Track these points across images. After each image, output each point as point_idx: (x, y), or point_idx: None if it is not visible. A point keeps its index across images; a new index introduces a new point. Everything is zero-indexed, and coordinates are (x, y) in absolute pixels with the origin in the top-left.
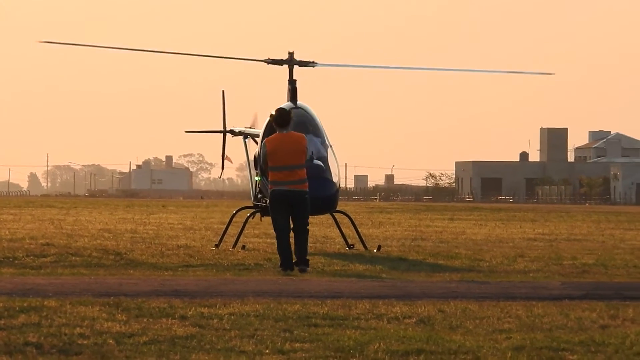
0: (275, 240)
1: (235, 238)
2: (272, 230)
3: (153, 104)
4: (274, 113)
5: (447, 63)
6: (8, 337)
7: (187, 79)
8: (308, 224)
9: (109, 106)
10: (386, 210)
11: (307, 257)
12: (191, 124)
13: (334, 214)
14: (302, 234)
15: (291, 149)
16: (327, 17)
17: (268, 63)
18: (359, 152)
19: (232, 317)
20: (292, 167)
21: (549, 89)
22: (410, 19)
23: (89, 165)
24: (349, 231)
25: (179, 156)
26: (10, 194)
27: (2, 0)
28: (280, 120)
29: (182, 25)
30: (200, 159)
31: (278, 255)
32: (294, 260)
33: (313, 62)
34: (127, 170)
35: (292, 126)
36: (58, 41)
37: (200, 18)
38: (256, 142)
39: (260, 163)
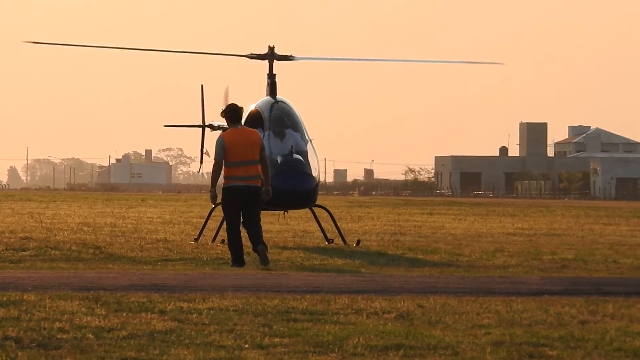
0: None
1: (214, 232)
2: None
3: (133, 98)
4: (225, 109)
5: (423, 55)
6: None
7: (166, 74)
8: (260, 219)
9: (89, 100)
10: (365, 204)
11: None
12: (170, 119)
13: (313, 208)
14: (256, 224)
15: (247, 144)
16: (305, 10)
17: (251, 58)
18: (338, 146)
19: (212, 312)
20: (249, 163)
21: (529, 84)
22: (389, 11)
23: (68, 159)
24: (328, 225)
25: (159, 150)
26: None
27: None
28: (233, 115)
29: (163, 21)
30: (180, 153)
31: (230, 252)
32: (253, 248)
33: (291, 56)
34: (106, 164)
35: (245, 121)
36: (41, 41)
37: (179, 13)
38: None
39: (216, 158)
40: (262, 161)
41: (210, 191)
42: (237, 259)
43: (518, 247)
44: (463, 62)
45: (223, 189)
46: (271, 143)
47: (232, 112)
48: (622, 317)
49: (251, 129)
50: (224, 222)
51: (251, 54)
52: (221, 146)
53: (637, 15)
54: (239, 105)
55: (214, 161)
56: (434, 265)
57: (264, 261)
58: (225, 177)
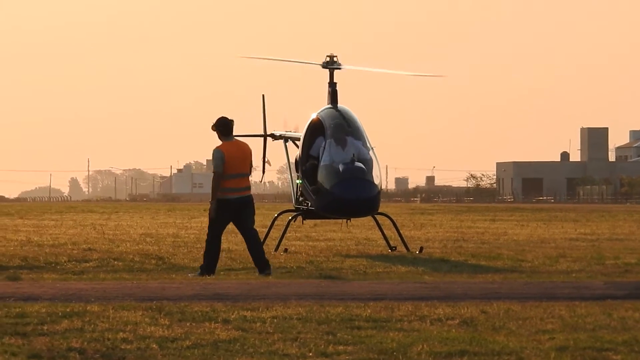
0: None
1: (277, 241)
2: (315, 233)
3: (194, 108)
4: (216, 122)
5: (483, 61)
6: (51, 342)
7: (227, 83)
8: (254, 227)
9: (150, 111)
10: (427, 211)
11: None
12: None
13: (376, 216)
14: (256, 237)
15: (243, 157)
16: (367, 19)
17: (323, 67)
18: (399, 153)
19: (275, 320)
20: (243, 175)
21: (589, 89)
22: (447, 18)
23: (129, 169)
24: (390, 233)
25: None
26: (52, 199)
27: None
28: (225, 129)
29: (222, 31)
30: None
31: (205, 259)
32: (260, 271)
33: (351, 66)
34: (168, 175)
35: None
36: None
37: (232, 23)
38: (297, 146)
39: (216, 170)
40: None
41: (211, 202)
42: (209, 268)
43: (581, 252)
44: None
45: (217, 200)
46: (333, 151)
47: (224, 125)
48: None
49: (243, 142)
50: (286, 232)
51: (324, 62)
52: (221, 159)
53: None
54: (230, 119)
55: (213, 173)
56: (497, 271)
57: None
58: (222, 189)
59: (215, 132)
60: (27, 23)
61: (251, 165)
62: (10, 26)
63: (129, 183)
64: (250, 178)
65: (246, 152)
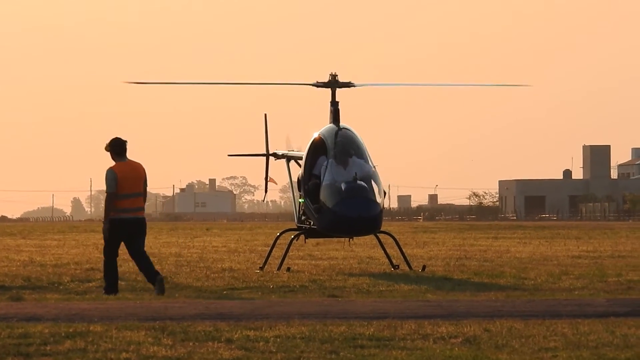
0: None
1: (279, 260)
2: (317, 252)
3: (196, 127)
4: (110, 143)
5: (485, 79)
6: None
7: (229, 103)
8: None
9: (152, 130)
10: (430, 229)
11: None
12: (234, 148)
13: (378, 234)
14: (144, 255)
15: (136, 177)
16: (367, 36)
17: (317, 86)
18: (402, 172)
19: (278, 340)
20: (137, 195)
21: (591, 107)
22: (450, 36)
23: None
24: (393, 251)
25: (222, 179)
26: (54, 219)
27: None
28: (119, 149)
29: (224, 52)
30: (244, 181)
31: (107, 279)
32: (149, 279)
33: (352, 83)
34: (170, 194)
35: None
36: (142, 80)
37: (240, 43)
38: (299, 165)
39: (110, 190)
40: (144, 192)
41: (104, 223)
42: (112, 287)
43: (583, 269)
44: (491, 85)
45: (110, 220)
46: (335, 170)
47: (117, 146)
48: None
49: (137, 162)
50: (288, 250)
51: (317, 82)
52: (114, 179)
53: None
54: (124, 139)
55: (107, 193)
56: (500, 289)
57: (161, 290)
58: (115, 209)
59: (108, 153)
60: (29, 40)
61: (145, 186)
62: (13, 42)
63: None
64: (143, 200)
65: (140, 173)
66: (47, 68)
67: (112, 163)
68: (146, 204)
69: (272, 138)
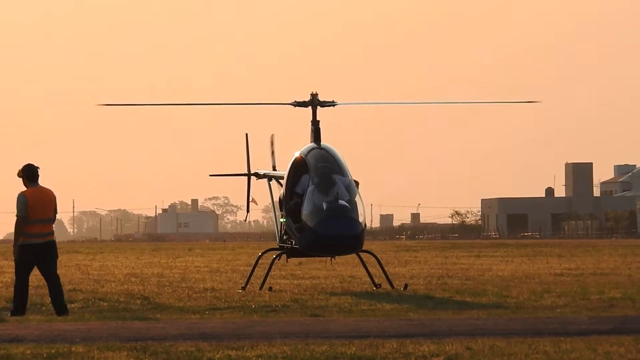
0: None
1: (262, 280)
2: (299, 271)
3: (177, 148)
4: (22, 169)
5: (465, 97)
6: None
7: (210, 124)
8: (56, 273)
9: (134, 152)
10: (412, 248)
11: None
12: (216, 168)
13: (360, 253)
14: (57, 280)
15: (46, 202)
16: (346, 55)
17: (294, 106)
18: (384, 191)
19: (260, 359)
20: (47, 221)
21: (573, 124)
22: (430, 54)
23: (114, 210)
24: (375, 270)
25: (205, 199)
26: None
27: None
28: (31, 175)
29: (204, 72)
30: (226, 201)
31: (15, 302)
32: (57, 313)
33: (333, 102)
34: (153, 215)
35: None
36: (115, 103)
37: (220, 63)
38: (280, 184)
39: (20, 214)
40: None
41: (14, 247)
42: (19, 309)
43: (566, 287)
44: (506, 102)
45: (20, 245)
46: (316, 189)
47: (30, 171)
48: None
49: (48, 188)
50: (270, 270)
51: (295, 101)
52: (25, 203)
53: None
54: (36, 165)
55: (17, 217)
56: (482, 307)
57: (59, 314)
58: (25, 234)
59: (21, 178)
60: (12, 66)
61: (55, 212)
62: None
63: (114, 224)
64: (53, 225)
65: (50, 198)
66: (27, 87)
67: (24, 188)
68: (128, 224)
69: (254, 158)
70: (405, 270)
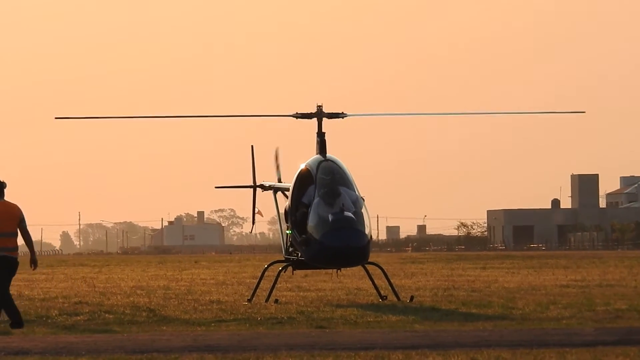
0: None
1: (267, 292)
2: (305, 283)
3: (183, 160)
4: None
5: (471, 109)
6: None
7: (216, 136)
8: (8, 291)
9: (139, 164)
10: (418, 260)
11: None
12: (221, 180)
13: (366, 265)
14: (7, 296)
15: (7, 217)
16: (353, 67)
17: (297, 117)
18: (390, 203)
19: None
20: (8, 235)
21: (579, 135)
22: (436, 66)
23: (121, 222)
24: (381, 282)
25: (211, 212)
26: (43, 253)
27: (21, 77)
28: None
29: (210, 84)
30: (232, 214)
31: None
32: (12, 318)
33: (342, 114)
34: (159, 227)
35: None
36: (117, 116)
37: (226, 75)
38: (286, 196)
39: None
40: (23, 232)
41: None
42: (17, 322)
43: (571, 298)
44: (544, 112)
45: None
46: (322, 201)
47: None
48: None
49: (13, 203)
50: (276, 282)
51: (297, 113)
52: None
53: None
54: (2, 181)
55: None
56: (488, 319)
57: (14, 327)
58: None
59: None
60: (15, 81)
61: (21, 226)
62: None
63: (120, 236)
64: (17, 239)
65: (14, 213)
66: (35, 99)
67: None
68: (134, 237)
69: (259, 169)
70: (411, 282)
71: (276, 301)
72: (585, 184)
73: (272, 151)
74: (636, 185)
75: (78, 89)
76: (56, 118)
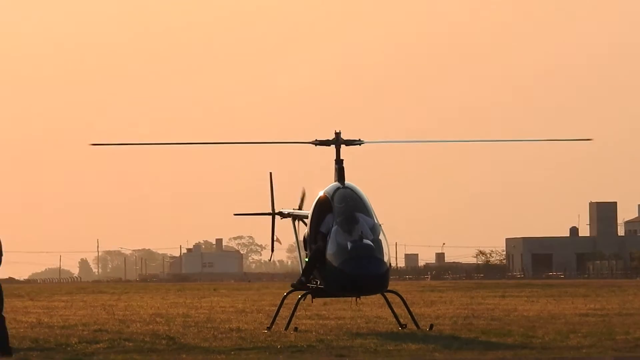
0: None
1: (287, 320)
2: (324, 311)
3: (202, 188)
4: None
5: (489, 136)
6: None
7: (234, 163)
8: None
9: (158, 191)
10: (437, 288)
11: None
12: (240, 207)
13: (385, 293)
14: (2, 323)
15: None
16: (372, 94)
17: (316, 144)
18: (409, 230)
19: None
20: None
21: (597, 163)
22: (452, 94)
23: (139, 250)
24: (400, 310)
25: (229, 239)
26: (62, 280)
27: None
28: None
29: (228, 112)
30: (251, 241)
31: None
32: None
33: (359, 141)
34: (177, 254)
35: None
36: (110, 142)
37: (244, 103)
38: (305, 224)
39: None
40: None
41: None
42: (4, 350)
43: (591, 327)
44: (550, 140)
45: None
46: (341, 229)
47: None
48: None
49: None
50: (296, 310)
51: (315, 140)
52: None
53: None
54: None
55: None
56: (508, 347)
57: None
58: None
59: None
60: (29, 108)
61: (0, 254)
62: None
63: (138, 263)
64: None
65: None
66: (52, 129)
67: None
68: (153, 264)
69: (278, 197)
70: (431, 310)
71: (296, 329)
72: (604, 212)
73: (291, 178)
74: None
75: (106, 117)
76: (91, 144)
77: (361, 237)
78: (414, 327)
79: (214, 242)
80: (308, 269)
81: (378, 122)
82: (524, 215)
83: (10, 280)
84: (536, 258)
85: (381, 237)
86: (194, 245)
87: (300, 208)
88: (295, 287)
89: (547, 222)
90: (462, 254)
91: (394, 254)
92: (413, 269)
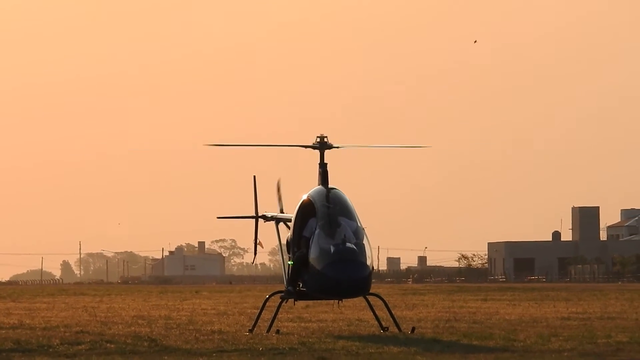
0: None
1: (269, 322)
2: (306, 314)
3: (185, 190)
4: None
5: (472, 140)
6: None
7: (218, 166)
8: None
9: (141, 194)
10: (419, 292)
11: None
12: (223, 210)
13: (367, 296)
14: None
15: None
16: (355, 98)
17: (305, 147)
18: (391, 234)
19: None
20: None
21: (580, 168)
22: (434, 97)
23: (121, 252)
24: (382, 313)
25: (212, 242)
26: (44, 282)
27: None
28: None
29: (212, 115)
30: (233, 244)
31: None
32: None
33: (343, 145)
34: (159, 257)
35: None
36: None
37: (228, 106)
38: (288, 227)
39: None
40: None
41: None
42: None
43: (573, 331)
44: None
45: None
46: (324, 232)
47: None
48: None
49: None
50: (278, 313)
51: (299, 144)
52: None
53: None
54: None
55: None
56: (489, 351)
57: None
58: None
59: None
60: (22, 112)
61: None
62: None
63: (120, 266)
64: None
65: None
66: (33, 134)
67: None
68: (135, 266)
69: (262, 200)
70: (413, 313)
71: (277, 332)
72: (586, 217)
73: (274, 182)
74: (637, 218)
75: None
76: (205, 145)
77: (344, 241)
78: (396, 330)
79: (196, 245)
80: (293, 279)
81: (362, 126)
82: (506, 220)
83: None
84: (518, 262)
85: (364, 240)
86: (176, 248)
87: (279, 199)
88: (284, 298)
89: (530, 227)
90: (444, 257)
91: (376, 257)
92: (395, 273)
